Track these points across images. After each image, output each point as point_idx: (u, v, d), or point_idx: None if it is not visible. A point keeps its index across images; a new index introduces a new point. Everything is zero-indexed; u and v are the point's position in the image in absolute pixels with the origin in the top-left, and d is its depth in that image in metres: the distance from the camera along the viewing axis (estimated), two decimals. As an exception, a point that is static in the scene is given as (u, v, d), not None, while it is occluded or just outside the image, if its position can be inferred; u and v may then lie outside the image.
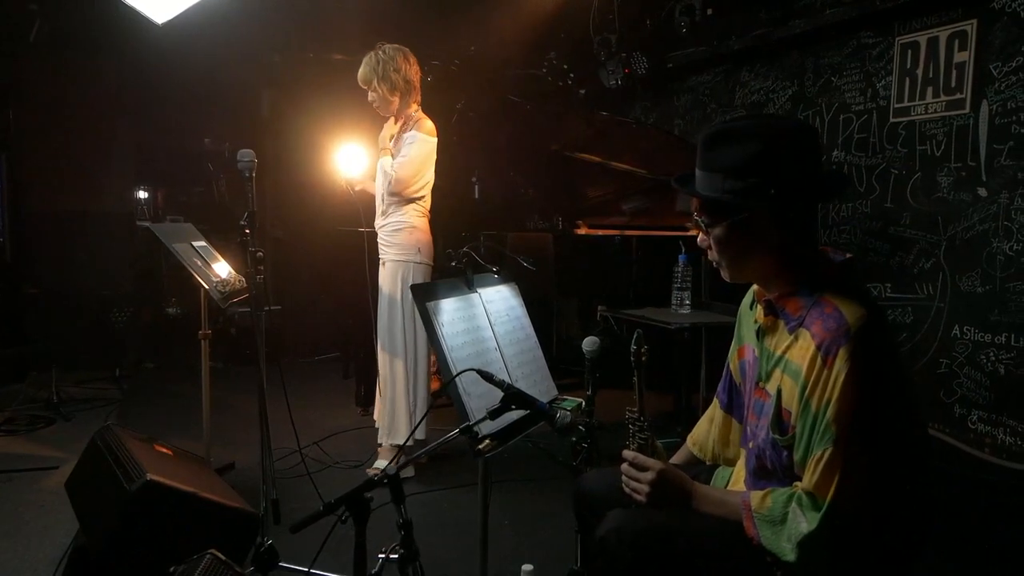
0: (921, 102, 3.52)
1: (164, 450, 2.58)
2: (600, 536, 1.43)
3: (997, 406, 3.25)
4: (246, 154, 2.28)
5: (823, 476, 1.25)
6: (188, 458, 2.70)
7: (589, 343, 1.93)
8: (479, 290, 2.26)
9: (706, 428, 1.74)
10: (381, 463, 3.34)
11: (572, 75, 5.54)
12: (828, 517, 1.24)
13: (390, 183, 3.22)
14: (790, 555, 1.28)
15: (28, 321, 5.15)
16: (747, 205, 1.35)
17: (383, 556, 1.59)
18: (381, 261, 3.35)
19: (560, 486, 3.00)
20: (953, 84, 3.38)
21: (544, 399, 1.94)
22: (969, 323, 3.36)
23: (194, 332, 3.14)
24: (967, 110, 3.32)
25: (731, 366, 1.65)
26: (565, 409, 1.67)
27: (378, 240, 3.36)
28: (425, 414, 3.25)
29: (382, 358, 3.33)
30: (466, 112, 4.50)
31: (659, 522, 1.43)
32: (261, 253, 2.26)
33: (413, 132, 3.23)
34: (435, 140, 3.29)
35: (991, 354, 3.27)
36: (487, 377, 1.65)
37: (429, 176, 3.31)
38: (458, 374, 1.87)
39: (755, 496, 1.36)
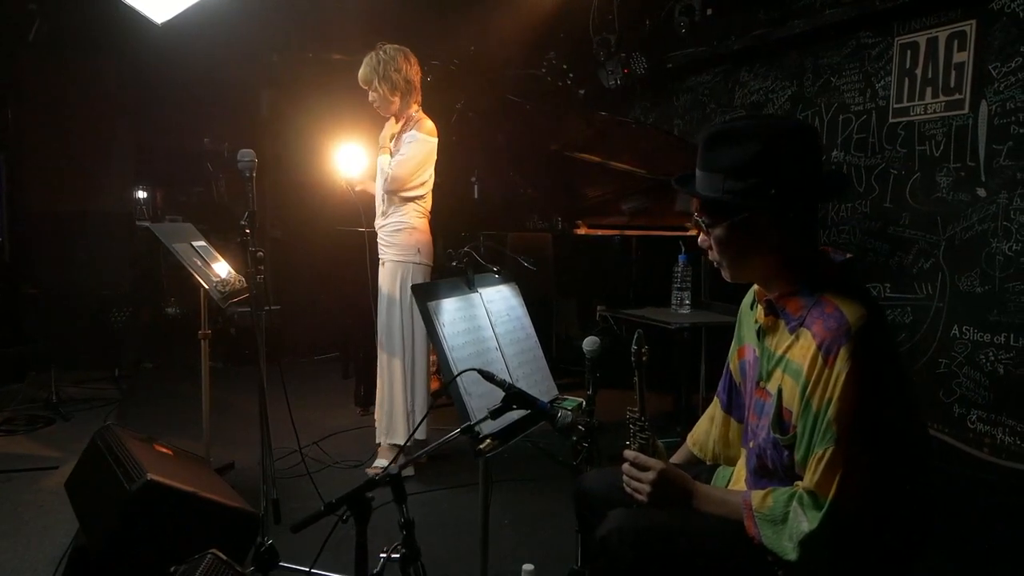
0: (920, 102, 3.53)
1: (164, 450, 2.58)
2: (601, 536, 1.43)
3: (996, 406, 3.26)
4: (246, 154, 2.28)
5: (824, 475, 1.26)
6: (188, 458, 2.70)
7: (589, 343, 1.93)
8: (480, 290, 2.27)
9: (706, 428, 1.75)
10: (381, 462, 3.34)
11: (572, 75, 5.55)
12: (829, 516, 1.25)
13: (386, 180, 3.23)
14: (791, 554, 1.28)
15: (27, 321, 5.14)
16: (747, 205, 1.35)
17: (384, 556, 1.59)
18: (381, 261, 3.36)
19: (560, 486, 3.00)
20: (952, 84, 3.38)
21: (544, 399, 1.94)
22: (968, 323, 3.36)
23: (193, 332, 3.14)
24: (966, 110, 3.32)
25: (731, 366, 1.65)
26: (566, 409, 1.68)
27: (378, 240, 3.36)
28: (426, 415, 3.25)
29: (380, 357, 3.34)
30: (466, 112, 4.50)
31: (660, 522, 1.43)
32: (261, 253, 2.26)
33: (413, 132, 3.23)
34: (435, 140, 3.29)
35: (990, 354, 3.27)
36: (488, 377, 1.65)
37: (428, 176, 3.31)
38: (459, 374, 1.87)
39: (756, 495, 1.36)
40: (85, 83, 5.39)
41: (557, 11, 5.22)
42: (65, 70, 5.31)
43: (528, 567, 2.16)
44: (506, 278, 2.42)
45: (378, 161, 3.29)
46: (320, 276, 5.49)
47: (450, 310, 2.09)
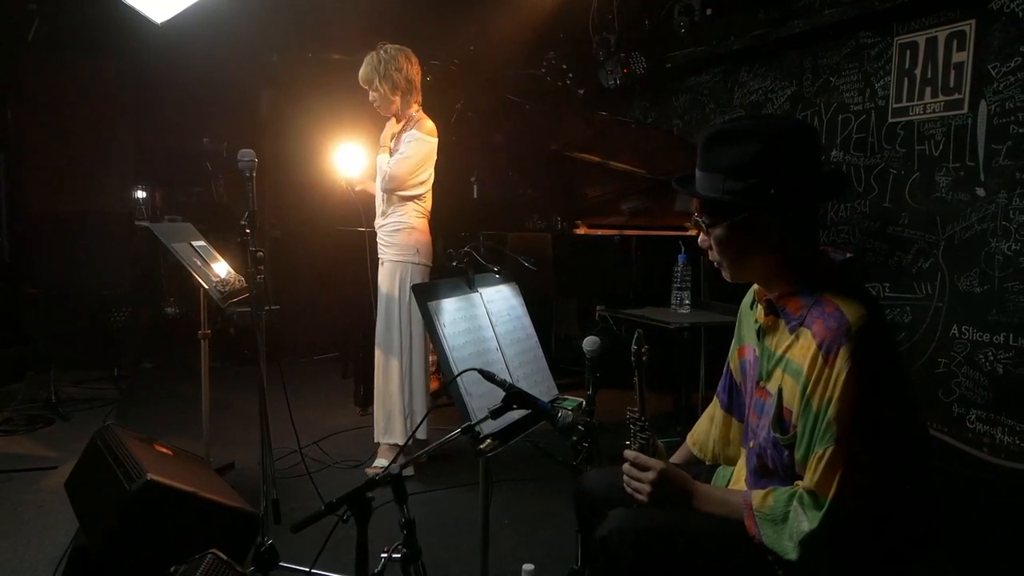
0: (920, 102, 3.53)
1: (164, 450, 2.58)
2: (601, 536, 1.43)
3: (995, 405, 3.26)
4: (246, 154, 2.28)
5: (824, 475, 1.26)
6: (188, 458, 2.70)
7: (589, 343, 1.93)
8: (480, 290, 2.27)
9: (706, 428, 1.75)
10: (381, 462, 3.34)
11: (571, 75, 5.55)
12: (830, 516, 1.25)
13: (384, 179, 3.23)
14: (792, 554, 1.29)
15: (27, 321, 5.14)
16: (747, 205, 1.36)
17: (385, 556, 1.59)
18: (380, 261, 3.36)
19: (560, 486, 3.00)
20: (952, 84, 3.38)
21: (545, 399, 1.94)
22: (967, 323, 3.36)
23: (193, 332, 3.14)
24: (965, 110, 3.33)
25: (731, 365, 1.65)
26: (566, 409, 1.68)
27: (377, 240, 3.36)
28: (426, 415, 3.26)
29: (378, 356, 3.34)
30: (466, 112, 4.50)
31: (660, 522, 1.43)
32: (261, 253, 2.26)
33: (413, 131, 3.23)
34: (435, 140, 3.29)
35: (989, 354, 3.27)
36: (489, 377, 1.65)
37: (427, 176, 3.31)
38: (459, 374, 1.87)
39: (756, 495, 1.36)
40: (85, 83, 5.39)
41: (557, 11, 5.21)
42: (65, 70, 5.30)
43: (528, 567, 2.16)
44: (506, 278, 2.43)
45: (378, 161, 3.29)
46: (320, 276, 5.48)
47: (450, 310, 2.09)
